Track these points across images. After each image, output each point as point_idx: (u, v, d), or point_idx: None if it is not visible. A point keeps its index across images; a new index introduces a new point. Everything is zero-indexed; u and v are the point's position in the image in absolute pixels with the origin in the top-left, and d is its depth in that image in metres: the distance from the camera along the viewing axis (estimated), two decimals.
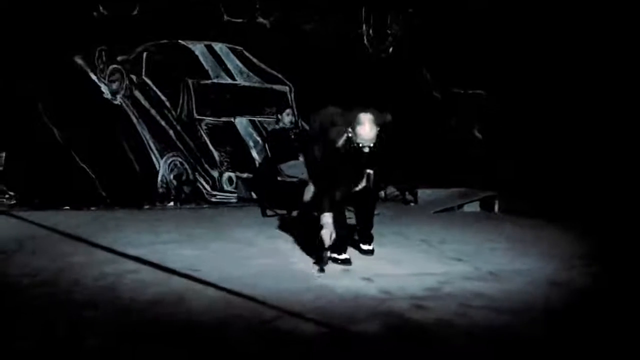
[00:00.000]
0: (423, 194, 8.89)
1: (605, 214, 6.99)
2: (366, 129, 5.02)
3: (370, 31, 9.60)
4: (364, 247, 5.53)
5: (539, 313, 3.74)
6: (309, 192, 7.46)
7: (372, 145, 5.04)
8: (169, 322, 3.53)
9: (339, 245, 5.08)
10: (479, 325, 3.47)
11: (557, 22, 8.10)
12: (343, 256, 5.12)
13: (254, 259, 5.29)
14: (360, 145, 4.99)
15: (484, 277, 4.63)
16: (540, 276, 4.62)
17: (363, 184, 5.30)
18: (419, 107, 9.49)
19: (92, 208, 8.47)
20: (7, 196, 8.36)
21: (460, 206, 8.53)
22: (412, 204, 8.92)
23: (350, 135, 5.05)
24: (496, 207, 8.41)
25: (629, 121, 7.53)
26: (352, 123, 5.07)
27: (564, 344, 3.21)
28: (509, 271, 4.80)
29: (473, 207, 8.56)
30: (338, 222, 5.03)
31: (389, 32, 9.64)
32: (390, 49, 9.65)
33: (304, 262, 5.15)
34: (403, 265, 5.09)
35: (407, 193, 9.10)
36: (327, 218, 4.92)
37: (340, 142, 5.17)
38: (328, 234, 4.85)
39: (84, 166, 8.60)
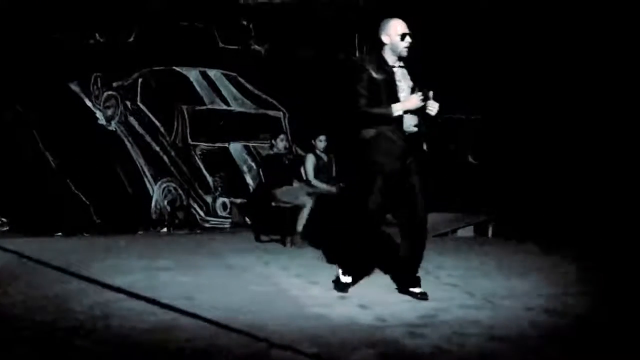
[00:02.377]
0: None
1: (600, 240, 6.99)
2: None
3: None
4: (415, 289, 4.70)
5: (535, 340, 3.70)
6: (303, 218, 7.47)
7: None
8: (162, 349, 3.47)
9: (347, 261, 4.86)
10: (475, 353, 3.44)
11: (545, 49, 8.16)
12: (345, 278, 4.84)
13: (248, 285, 5.23)
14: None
15: (479, 303, 4.59)
16: (535, 303, 4.58)
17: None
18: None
19: (86, 234, 8.40)
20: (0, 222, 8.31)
21: (454, 231, 8.51)
22: None
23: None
24: (490, 232, 8.40)
25: (618, 146, 7.58)
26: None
27: None
28: (504, 297, 4.77)
29: (467, 232, 8.53)
30: (361, 233, 4.73)
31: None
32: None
33: (298, 289, 5.10)
34: (398, 292, 5.04)
35: None
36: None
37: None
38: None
39: (78, 192, 8.56)
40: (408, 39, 4.58)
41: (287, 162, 8.18)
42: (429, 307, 4.43)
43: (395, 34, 4.56)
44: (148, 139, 9.03)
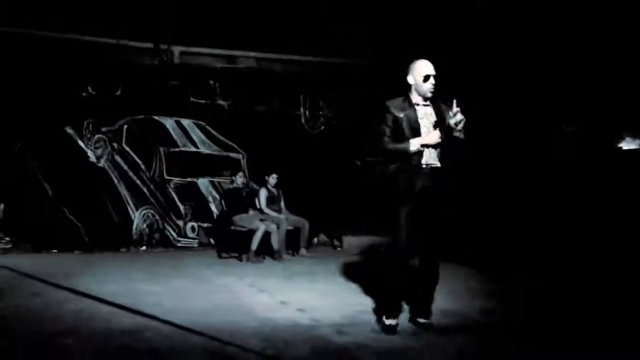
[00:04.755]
0: (348, 240, 8.91)
1: (505, 254, 6.73)
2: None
3: (307, 112, 9.77)
4: (421, 320, 3.98)
5: (437, 336, 3.74)
6: (257, 238, 7.45)
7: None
8: (137, 348, 3.40)
9: (387, 305, 3.93)
10: (389, 348, 3.46)
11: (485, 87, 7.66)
12: (389, 321, 3.85)
13: (210, 293, 5.17)
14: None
15: None
16: (441, 307, 4.58)
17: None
18: (343, 172, 9.60)
19: (77, 251, 8.18)
20: (4, 241, 8.04)
21: (376, 250, 8.56)
22: (339, 248, 8.93)
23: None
24: None
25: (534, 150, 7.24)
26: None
27: None
28: (413, 302, 4.76)
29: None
30: (397, 274, 3.87)
31: (321, 113, 9.83)
32: (322, 127, 9.83)
33: (250, 296, 5.07)
34: (330, 297, 5.03)
35: (335, 239, 9.11)
36: None
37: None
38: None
39: (71, 217, 8.37)
40: (432, 80, 3.90)
41: (244, 194, 8.16)
42: (353, 309, 4.42)
43: (419, 75, 3.90)
44: (131, 174, 8.91)
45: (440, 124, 3.84)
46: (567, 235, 6.54)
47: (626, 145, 7.30)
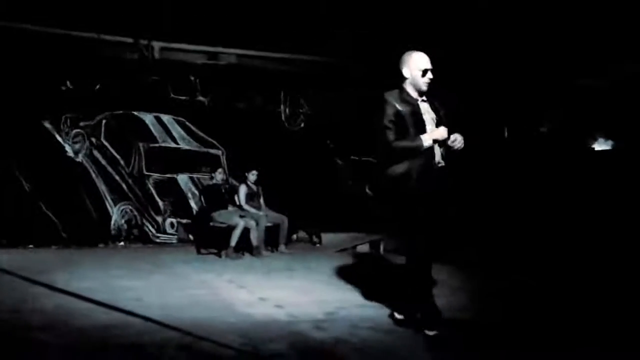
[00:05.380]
0: (326, 236, 8.95)
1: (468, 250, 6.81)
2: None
3: (287, 110, 9.77)
4: (430, 332, 3.57)
5: (413, 332, 3.72)
6: (236, 235, 7.43)
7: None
8: (116, 343, 3.38)
9: (430, 316, 3.59)
10: (366, 343, 3.47)
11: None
12: (433, 332, 3.54)
13: (188, 289, 5.15)
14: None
15: (372, 303, 4.61)
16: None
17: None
18: (324, 170, 9.65)
19: (54, 247, 8.07)
20: None
21: (354, 247, 8.61)
22: (317, 245, 8.95)
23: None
24: (382, 248, 8.53)
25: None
26: None
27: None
28: (391, 298, 4.79)
29: (364, 247, 8.66)
30: (418, 274, 3.59)
31: (301, 111, 9.84)
32: (302, 124, 9.84)
33: (228, 292, 5.05)
34: (309, 294, 5.05)
35: (314, 236, 9.14)
36: None
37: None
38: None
39: (48, 212, 8.25)
40: (429, 74, 3.67)
41: (223, 190, 8.14)
42: (332, 306, 4.41)
43: (416, 68, 3.66)
44: (109, 169, 8.82)
45: (441, 120, 3.71)
46: (554, 233, 6.61)
47: (599, 146, 7.45)
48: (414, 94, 3.73)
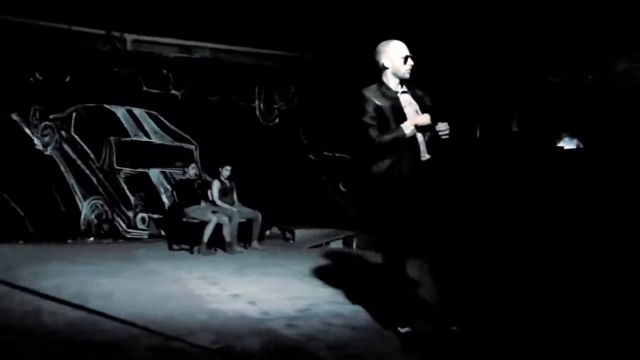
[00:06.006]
0: (300, 233, 8.92)
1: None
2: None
3: (261, 105, 9.69)
4: (402, 329, 3.50)
5: (386, 327, 3.72)
6: (208, 230, 7.36)
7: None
8: (81, 343, 3.31)
9: (399, 313, 3.51)
10: (339, 341, 3.47)
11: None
12: (406, 329, 3.47)
13: (160, 286, 5.08)
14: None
15: (343, 300, 4.62)
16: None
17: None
18: (298, 166, 9.62)
19: (20, 242, 7.89)
20: None
21: (327, 243, 8.61)
22: (290, 241, 8.93)
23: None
24: (355, 244, 8.55)
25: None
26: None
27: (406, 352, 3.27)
28: (364, 295, 4.77)
29: (337, 244, 8.66)
30: (396, 277, 3.48)
31: (275, 106, 9.78)
32: (277, 120, 9.78)
33: (200, 289, 5.01)
34: (281, 290, 5.03)
35: (287, 232, 9.11)
36: None
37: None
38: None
39: (15, 206, 8.04)
40: (410, 61, 3.52)
41: (196, 186, 8.06)
42: (304, 303, 4.42)
43: (397, 56, 3.51)
44: (79, 163, 8.62)
45: (424, 110, 3.55)
46: (525, 232, 6.66)
47: (565, 145, 7.57)
48: (395, 86, 3.57)
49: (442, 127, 3.42)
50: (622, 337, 3.61)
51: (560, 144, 7.47)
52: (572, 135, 7.35)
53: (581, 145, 7.34)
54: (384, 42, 3.59)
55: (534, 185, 6.36)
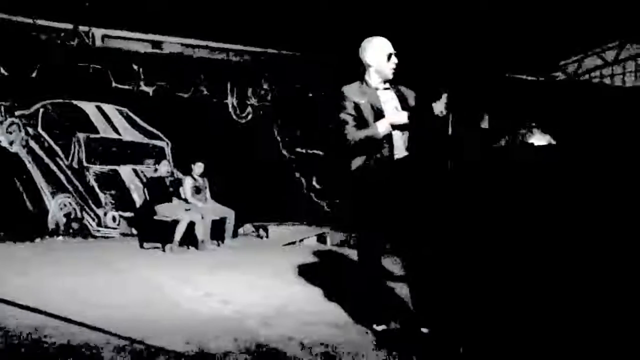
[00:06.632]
0: (273, 230, 8.84)
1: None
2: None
3: (234, 102, 9.56)
4: (378, 327, 3.50)
5: (361, 325, 3.68)
6: (181, 228, 7.23)
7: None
8: (49, 345, 3.17)
9: (372, 311, 3.53)
10: (315, 340, 3.40)
11: None
12: (380, 327, 3.48)
13: (131, 286, 4.95)
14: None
15: (319, 298, 4.56)
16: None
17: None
18: (271, 163, 9.53)
19: None
20: None
21: (301, 240, 8.55)
22: (264, 239, 8.84)
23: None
24: (328, 241, 8.52)
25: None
26: None
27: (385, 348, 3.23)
28: (339, 292, 4.72)
29: (311, 241, 8.61)
30: (371, 275, 3.48)
31: (248, 103, 9.65)
32: (250, 117, 9.65)
33: (172, 288, 4.89)
34: (256, 289, 4.94)
35: (260, 229, 9.01)
36: None
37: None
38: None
39: None
40: (394, 59, 3.45)
41: (168, 183, 7.91)
42: (278, 301, 4.35)
43: (381, 53, 3.43)
44: (47, 160, 8.38)
45: (406, 108, 3.45)
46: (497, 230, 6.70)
47: (537, 141, 7.65)
48: (377, 83, 3.49)
49: (439, 107, 3.33)
50: (598, 335, 3.64)
51: (532, 140, 7.54)
52: (543, 132, 7.43)
53: (552, 141, 7.42)
54: (368, 39, 3.52)
55: (507, 182, 6.40)
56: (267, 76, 9.53)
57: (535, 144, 7.65)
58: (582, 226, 5.67)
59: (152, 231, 7.58)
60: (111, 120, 8.83)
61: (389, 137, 3.39)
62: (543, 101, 8.11)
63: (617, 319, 3.98)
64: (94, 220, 8.63)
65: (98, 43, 8.56)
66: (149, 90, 8.98)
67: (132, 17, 8.16)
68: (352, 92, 3.47)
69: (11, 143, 8.15)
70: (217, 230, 7.76)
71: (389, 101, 3.49)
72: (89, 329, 3.49)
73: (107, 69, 8.69)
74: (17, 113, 8.19)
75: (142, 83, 8.93)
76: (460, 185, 6.89)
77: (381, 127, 3.36)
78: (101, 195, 8.69)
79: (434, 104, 3.34)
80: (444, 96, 3.31)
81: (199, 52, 9.13)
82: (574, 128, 7.30)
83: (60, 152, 8.48)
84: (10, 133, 8.15)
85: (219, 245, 7.77)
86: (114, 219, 8.74)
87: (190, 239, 7.39)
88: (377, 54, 3.46)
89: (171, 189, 7.86)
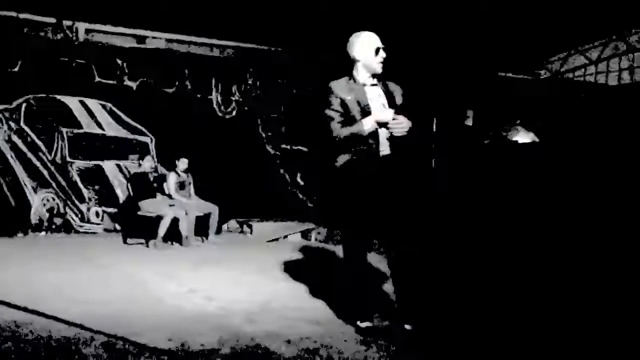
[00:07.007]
0: (258, 226, 8.81)
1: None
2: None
3: (219, 97, 9.50)
4: (362, 324, 3.47)
5: (345, 321, 3.68)
6: (165, 224, 7.18)
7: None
8: (31, 342, 3.14)
9: (357, 308, 3.50)
10: (299, 336, 3.39)
11: None
12: (365, 324, 3.45)
13: (114, 282, 4.91)
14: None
15: (303, 294, 4.57)
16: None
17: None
18: (255, 158, 9.50)
19: None
20: None
21: (286, 236, 8.54)
22: (249, 235, 8.81)
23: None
24: (313, 237, 8.52)
25: None
26: None
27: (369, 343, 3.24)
28: (323, 289, 4.70)
29: (296, 237, 8.60)
30: (356, 272, 3.45)
31: (233, 98, 9.60)
32: (234, 112, 9.60)
33: (156, 284, 4.86)
34: (240, 285, 4.94)
35: (245, 226, 8.99)
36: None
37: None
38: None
39: None
40: (382, 53, 3.41)
41: (152, 179, 7.85)
42: (263, 297, 4.34)
43: (369, 48, 3.40)
44: (30, 155, 8.27)
45: (393, 105, 3.43)
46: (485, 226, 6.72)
47: (520, 138, 7.71)
48: (365, 79, 3.46)
49: (395, 124, 3.31)
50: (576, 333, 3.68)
51: (515, 138, 7.60)
52: (527, 129, 7.50)
53: (536, 139, 7.49)
54: (356, 34, 3.48)
55: (493, 179, 6.45)
56: (252, 72, 9.48)
57: (519, 141, 7.72)
58: (565, 222, 5.73)
59: (135, 227, 7.53)
60: (95, 115, 8.74)
61: (374, 134, 3.36)
62: (528, 99, 8.17)
63: (596, 312, 4.04)
64: (77, 215, 8.55)
65: (82, 37, 8.46)
66: (133, 85, 8.90)
67: (117, 12, 8.07)
68: (339, 88, 3.44)
69: None
70: (201, 226, 7.72)
71: (375, 98, 3.45)
72: (72, 325, 3.46)
73: (90, 63, 8.59)
74: None
75: (126, 78, 8.84)
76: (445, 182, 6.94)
77: (367, 125, 3.34)
78: (84, 191, 8.60)
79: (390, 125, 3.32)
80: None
81: (183, 47, 9.06)
82: (558, 126, 7.36)
83: (43, 147, 8.38)
84: None
85: (203, 241, 7.73)
86: (97, 214, 8.66)
87: (174, 235, 7.35)
88: (365, 48, 3.42)
89: (155, 185, 7.81)
